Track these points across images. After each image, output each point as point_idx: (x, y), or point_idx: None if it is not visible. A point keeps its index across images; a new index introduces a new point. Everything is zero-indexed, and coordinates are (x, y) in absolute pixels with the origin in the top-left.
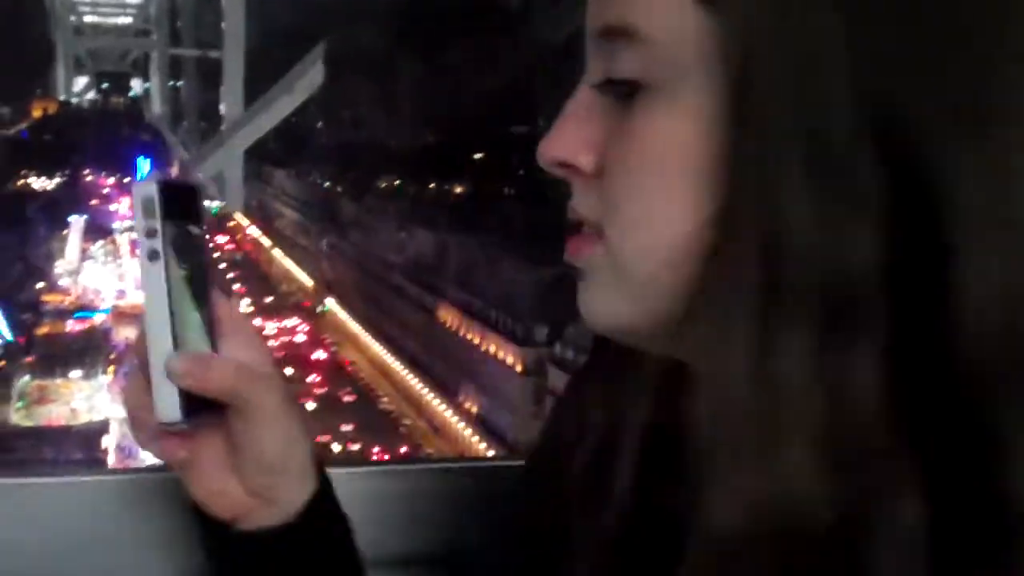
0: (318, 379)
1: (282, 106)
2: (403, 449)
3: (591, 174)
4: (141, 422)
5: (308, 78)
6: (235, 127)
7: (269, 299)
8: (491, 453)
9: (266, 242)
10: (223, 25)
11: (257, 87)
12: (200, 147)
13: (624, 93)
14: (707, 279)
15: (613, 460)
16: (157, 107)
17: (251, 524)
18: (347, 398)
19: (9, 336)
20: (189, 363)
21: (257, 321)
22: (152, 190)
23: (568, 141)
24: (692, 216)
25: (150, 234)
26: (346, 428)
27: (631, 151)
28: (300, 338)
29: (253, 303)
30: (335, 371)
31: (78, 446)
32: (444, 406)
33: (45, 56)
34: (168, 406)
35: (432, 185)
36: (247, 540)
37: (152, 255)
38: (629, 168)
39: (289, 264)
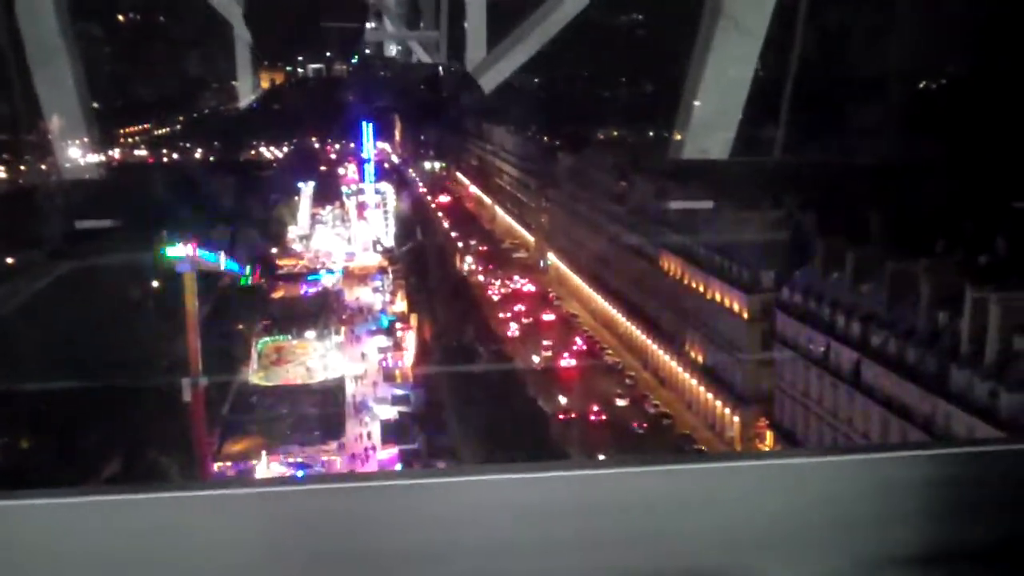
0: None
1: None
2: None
3: None
4: None
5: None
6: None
7: (490, 254)
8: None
9: (487, 199)
10: None
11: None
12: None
13: None
14: None
15: None
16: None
17: None
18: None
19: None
20: None
21: (481, 278)
22: None
23: None
24: None
25: None
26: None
27: None
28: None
29: (475, 262)
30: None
31: (315, 404)
32: (669, 356)
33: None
34: None
35: (652, 134)
36: None
37: None
38: None
39: (510, 220)
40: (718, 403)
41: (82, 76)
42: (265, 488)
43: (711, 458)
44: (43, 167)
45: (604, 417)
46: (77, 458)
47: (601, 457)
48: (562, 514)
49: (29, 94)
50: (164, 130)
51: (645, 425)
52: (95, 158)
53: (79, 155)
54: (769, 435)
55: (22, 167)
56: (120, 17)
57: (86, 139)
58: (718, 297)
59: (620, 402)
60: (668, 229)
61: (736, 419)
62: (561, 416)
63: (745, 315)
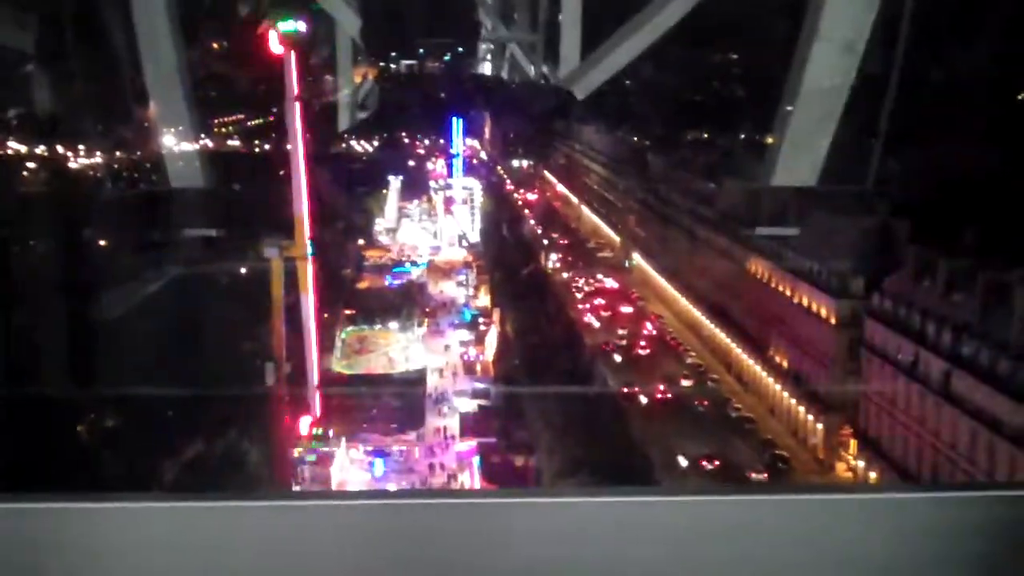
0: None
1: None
2: None
3: None
4: None
5: None
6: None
7: (575, 252)
8: (801, 409)
9: (574, 198)
10: None
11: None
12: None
13: None
14: None
15: None
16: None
17: None
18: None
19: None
20: None
21: (565, 276)
22: None
23: None
24: None
25: None
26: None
27: None
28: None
29: (560, 260)
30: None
31: (395, 394)
32: (753, 360)
33: None
34: None
35: (743, 136)
36: None
37: None
38: None
39: (596, 219)
40: (801, 409)
41: (190, 86)
42: (357, 501)
43: (802, 489)
44: (153, 175)
45: (683, 416)
46: (165, 439)
47: (689, 484)
48: (652, 538)
49: (142, 102)
50: (257, 121)
51: (726, 429)
52: (199, 163)
53: (184, 160)
54: (852, 444)
55: (135, 175)
56: (217, 7)
57: (193, 145)
58: (805, 301)
59: (700, 405)
60: (757, 232)
61: (820, 426)
62: (641, 419)
63: (833, 320)
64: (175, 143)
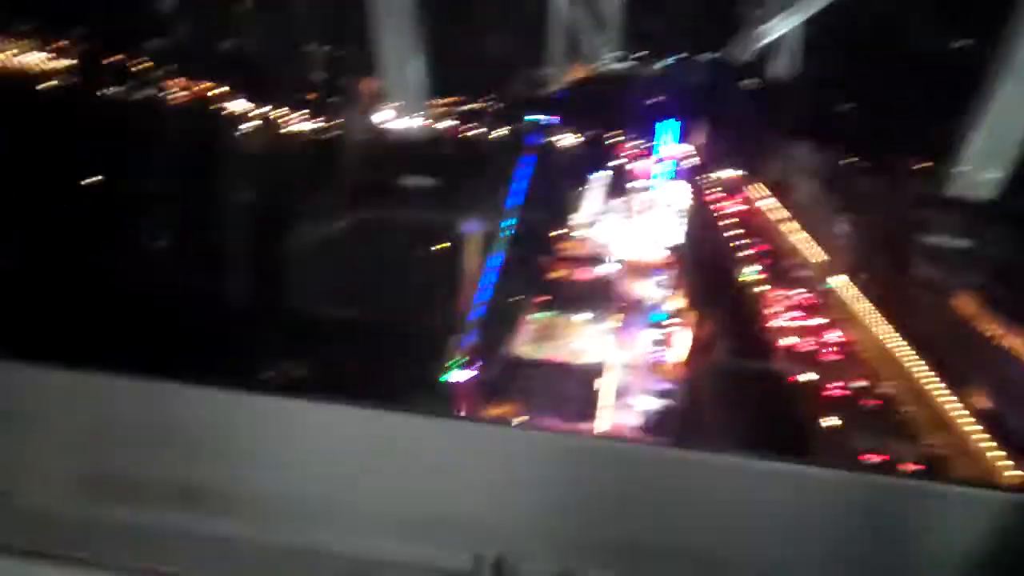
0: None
1: None
2: None
3: None
4: None
5: None
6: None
7: (774, 267)
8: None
9: (781, 212)
10: None
11: None
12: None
13: None
14: None
15: None
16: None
17: None
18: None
19: None
20: None
21: (760, 289)
22: None
23: None
24: None
25: None
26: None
27: None
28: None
29: (758, 272)
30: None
31: (576, 383)
32: (950, 397)
33: None
34: None
35: (966, 169)
36: None
37: None
38: None
39: (802, 236)
40: (1001, 454)
41: (422, 43)
42: (514, 431)
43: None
44: (368, 122)
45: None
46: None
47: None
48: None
49: (365, 53)
50: (471, 106)
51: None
52: (417, 122)
53: (403, 117)
54: None
55: (351, 119)
56: None
57: (414, 103)
58: (1015, 346)
59: (889, 439)
60: (968, 263)
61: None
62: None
63: None
64: (397, 112)
